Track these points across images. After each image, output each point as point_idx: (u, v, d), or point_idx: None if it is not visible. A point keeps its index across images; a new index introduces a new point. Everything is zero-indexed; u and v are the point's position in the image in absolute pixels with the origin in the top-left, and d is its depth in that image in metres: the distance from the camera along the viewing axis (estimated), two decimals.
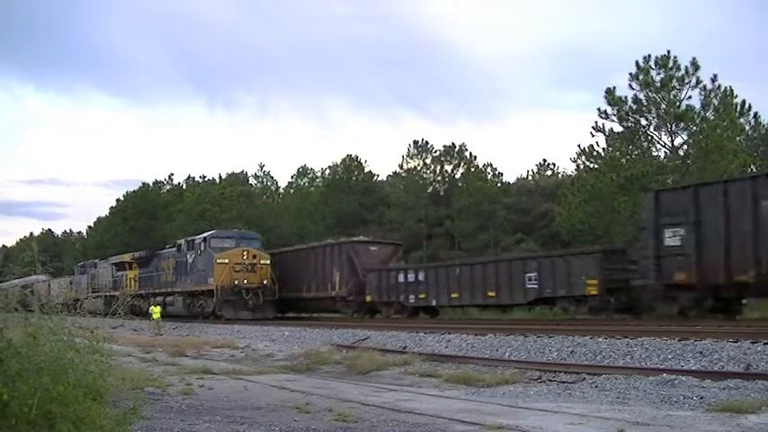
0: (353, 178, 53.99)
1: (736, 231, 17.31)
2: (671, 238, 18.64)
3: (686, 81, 31.89)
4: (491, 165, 50.80)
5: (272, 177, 64.75)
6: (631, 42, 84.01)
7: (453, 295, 26.29)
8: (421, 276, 27.75)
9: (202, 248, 32.03)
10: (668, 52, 32.01)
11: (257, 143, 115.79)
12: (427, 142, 50.89)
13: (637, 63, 32.38)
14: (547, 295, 23.09)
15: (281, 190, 64.08)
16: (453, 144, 50.56)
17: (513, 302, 24.81)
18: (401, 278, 28.33)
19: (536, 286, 23.12)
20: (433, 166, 50.60)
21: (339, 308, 31.25)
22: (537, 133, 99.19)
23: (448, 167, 50.42)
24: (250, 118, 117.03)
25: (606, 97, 32.99)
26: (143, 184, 67.45)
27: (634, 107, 32.52)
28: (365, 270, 29.94)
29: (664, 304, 19.35)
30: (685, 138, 32.58)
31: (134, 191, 66.31)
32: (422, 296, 27.51)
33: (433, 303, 27.65)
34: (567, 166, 58.06)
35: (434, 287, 27.02)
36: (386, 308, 29.32)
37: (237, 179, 62.57)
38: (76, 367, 4.69)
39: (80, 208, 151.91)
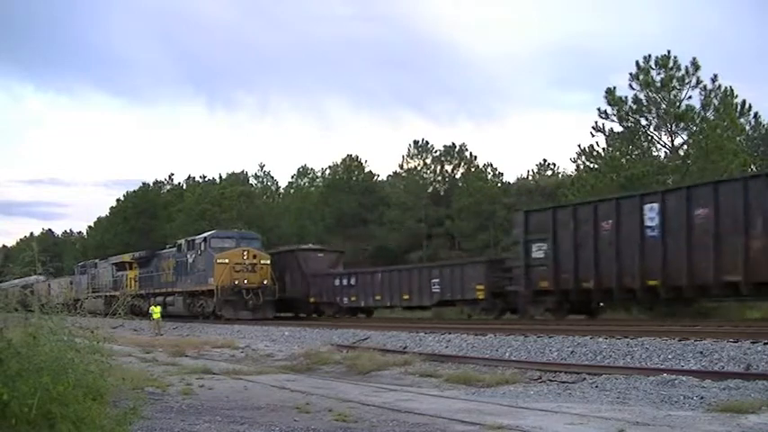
0: (353, 178, 53.92)
1: (582, 247, 20.97)
2: (537, 252, 22.19)
3: (686, 81, 31.91)
4: (491, 165, 50.84)
5: (273, 177, 64.82)
6: (631, 42, 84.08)
7: (377, 297, 30.18)
8: (353, 281, 31.36)
9: (202, 248, 32.04)
10: (668, 52, 32.06)
11: (257, 143, 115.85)
12: (427, 142, 50.94)
13: (637, 63, 32.42)
14: (447, 298, 26.82)
15: (282, 190, 64.11)
16: (453, 144, 50.62)
17: (422, 304, 28.50)
18: (337, 282, 31.99)
19: (439, 290, 26.94)
20: (433, 166, 50.58)
21: (289, 308, 34.52)
22: (537, 133, 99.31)
23: (448, 167, 50.42)
24: (250, 118, 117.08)
25: (606, 97, 33.04)
26: (143, 184, 67.51)
27: (634, 107, 32.55)
28: (311, 275, 33.28)
29: (533, 307, 22.70)
30: (685, 138, 32.62)
31: (134, 191, 66.31)
32: (353, 298, 31.27)
33: (362, 304, 31.25)
34: (567, 166, 58.07)
35: (363, 290, 30.75)
36: (327, 308, 32.81)
37: (237, 179, 62.52)
38: (76, 367, 4.69)
39: (80, 208, 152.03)
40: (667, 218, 18.79)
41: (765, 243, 16.69)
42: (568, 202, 24.28)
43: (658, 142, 33.51)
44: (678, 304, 20.65)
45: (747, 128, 37.14)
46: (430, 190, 50.25)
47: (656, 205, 19.15)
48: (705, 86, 31.78)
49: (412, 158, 50.89)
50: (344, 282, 31.60)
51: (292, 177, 62.27)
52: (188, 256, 33.02)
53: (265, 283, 31.28)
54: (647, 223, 19.16)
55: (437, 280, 26.92)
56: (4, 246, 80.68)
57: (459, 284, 25.82)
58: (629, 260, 19.60)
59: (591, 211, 21.04)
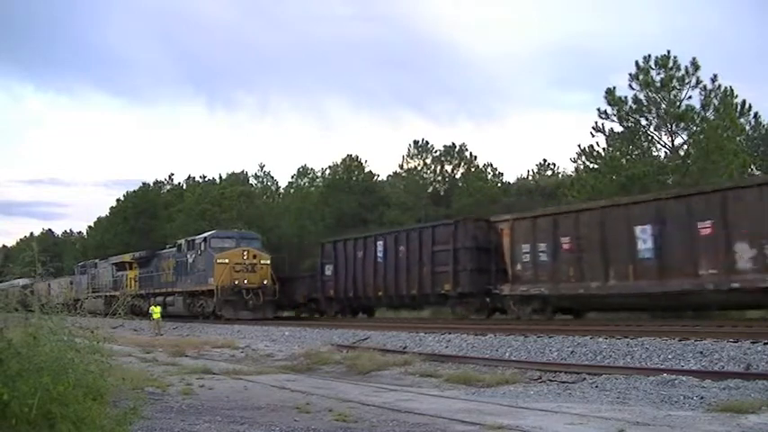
0: (353, 178, 53.86)
1: (348, 269, 29.89)
2: (327, 271, 30.98)
3: (686, 81, 31.84)
4: (491, 165, 50.92)
5: (273, 177, 64.65)
6: (631, 42, 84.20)
7: None
8: None
9: (202, 248, 32.02)
10: (668, 52, 31.99)
11: (257, 143, 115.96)
12: (427, 142, 50.92)
13: (637, 63, 32.36)
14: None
15: (282, 190, 64.00)
16: (453, 144, 50.61)
17: None
18: None
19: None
20: (433, 166, 50.56)
21: None
22: (537, 133, 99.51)
23: (448, 167, 50.41)
24: (250, 118, 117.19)
25: (606, 97, 32.97)
26: (143, 184, 67.36)
27: (634, 107, 32.48)
28: None
29: (329, 309, 31.41)
30: (685, 138, 32.54)
31: (134, 191, 66.19)
32: None
33: None
34: (567, 166, 58.12)
35: None
36: None
37: (237, 179, 62.45)
38: (77, 367, 4.69)
39: (80, 208, 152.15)
40: (387, 251, 27.78)
41: (429, 270, 25.55)
42: (346, 236, 32.02)
43: (658, 142, 33.48)
44: (407, 308, 29.58)
45: (747, 128, 37.06)
46: (430, 190, 50.24)
47: (381, 242, 28.25)
48: (705, 86, 31.72)
49: (412, 158, 50.91)
50: None
51: (292, 177, 62.15)
52: (188, 256, 33.00)
53: (265, 283, 31.26)
54: (379, 254, 28.22)
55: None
56: (4, 246, 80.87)
57: (293, 292, 33.82)
58: (369, 278, 28.54)
59: (352, 244, 29.84)
